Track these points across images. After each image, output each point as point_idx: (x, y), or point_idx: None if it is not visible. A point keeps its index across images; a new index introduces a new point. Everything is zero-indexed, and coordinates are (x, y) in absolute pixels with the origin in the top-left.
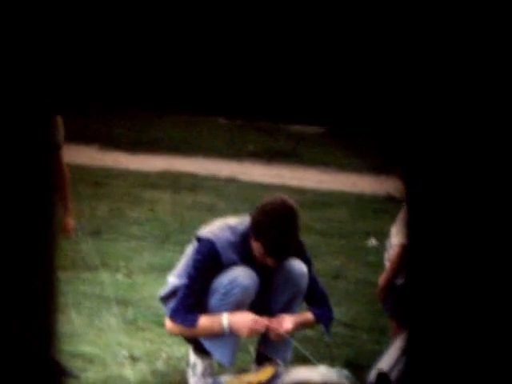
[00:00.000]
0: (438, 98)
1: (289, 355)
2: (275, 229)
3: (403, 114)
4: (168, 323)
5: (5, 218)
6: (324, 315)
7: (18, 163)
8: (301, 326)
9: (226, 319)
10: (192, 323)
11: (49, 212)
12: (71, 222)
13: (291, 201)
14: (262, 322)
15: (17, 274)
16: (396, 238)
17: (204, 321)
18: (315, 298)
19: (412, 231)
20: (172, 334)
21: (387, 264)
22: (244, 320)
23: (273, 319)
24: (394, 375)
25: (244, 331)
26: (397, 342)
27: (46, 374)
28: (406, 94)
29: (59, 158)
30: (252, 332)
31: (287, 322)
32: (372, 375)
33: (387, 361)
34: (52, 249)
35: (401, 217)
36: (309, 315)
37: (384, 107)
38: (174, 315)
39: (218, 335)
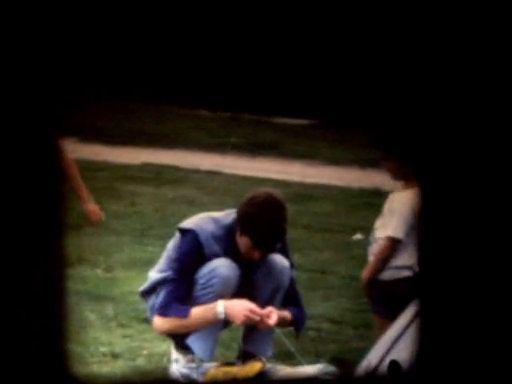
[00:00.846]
0: (435, 93)
1: (271, 352)
2: (264, 221)
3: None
4: (157, 320)
5: (13, 212)
6: (300, 316)
7: (26, 157)
8: (280, 323)
9: (221, 306)
10: (185, 314)
11: (57, 205)
12: (96, 208)
13: (278, 193)
14: (258, 311)
15: (24, 270)
16: (380, 231)
17: (197, 310)
18: (291, 297)
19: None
20: (162, 331)
21: (371, 258)
22: (241, 307)
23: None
24: (383, 366)
25: (240, 318)
26: (386, 333)
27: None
28: (400, 88)
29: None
30: (247, 320)
31: (274, 316)
32: (363, 367)
33: (377, 352)
34: (61, 243)
35: (385, 210)
36: (287, 314)
37: (379, 100)
38: (165, 309)
39: (209, 325)
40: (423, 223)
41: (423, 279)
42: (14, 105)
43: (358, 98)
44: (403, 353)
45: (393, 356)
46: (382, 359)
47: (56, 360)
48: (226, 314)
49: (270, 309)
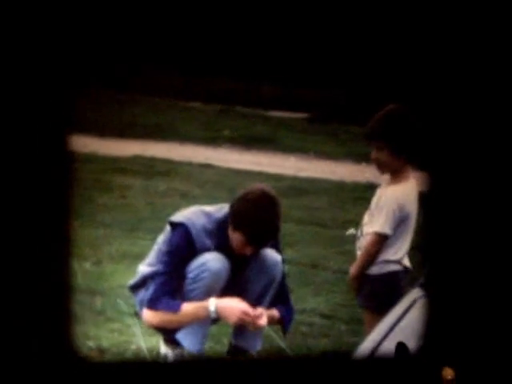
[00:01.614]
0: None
1: (260, 345)
2: (257, 218)
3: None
4: (147, 313)
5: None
6: (288, 316)
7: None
8: (268, 323)
9: (213, 305)
10: (175, 308)
11: (66, 198)
12: None
13: (272, 190)
14: (250, 312)
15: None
16: (367, 226)
17: (188, 307)
18: (281, 293)
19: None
20: (151, 325)
21: (359, 253)
22: (233, 308)
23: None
24: (382, 349)
25: (232, 319)
26: (384, 320)
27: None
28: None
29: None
30: (239, 321)
31: (265, 317)
32: (361, 350)
33: (376, 337)
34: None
35: (372, 205)
36: (275, 313)
37: (375, 92)
38: (155, 302)
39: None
40: (429, 209)
41: (429, 263)
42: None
43: (353, 92)
44: (401, 337)
45: (391, 341)
46: (379, 343)
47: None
48: (217, 313)
49: (260, 310)
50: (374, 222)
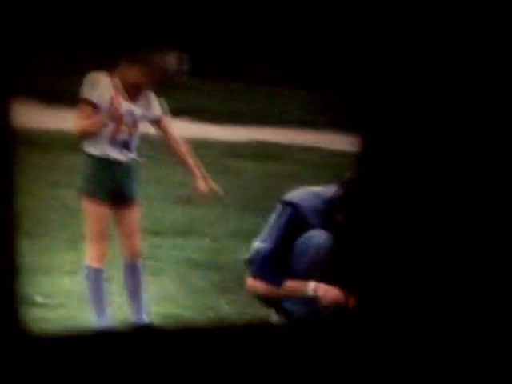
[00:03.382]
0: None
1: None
2: None
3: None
4: (253, 283)
5: None
6: None
7: None
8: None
9: (311, 285)
10: (278, 283)
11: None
12: (204, 186)
13: None
14: (346, 299)
15: None
16: None
17: (291, 284)
18: None
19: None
20: (254, 293)
21: None
22: (331, 290)
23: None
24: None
25: (327, 299)
26: None
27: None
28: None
29: (164, 125)
30: (333, 303)
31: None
32: None
33: None
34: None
35: None
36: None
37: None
38: (261, 275)
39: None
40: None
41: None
42: None
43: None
44: None
45: None
46: None
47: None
48: (315, 293)
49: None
50: None
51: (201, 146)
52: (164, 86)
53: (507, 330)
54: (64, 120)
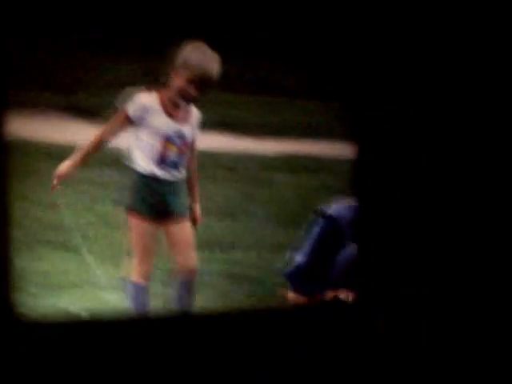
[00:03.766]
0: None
1: None
2: None
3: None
4: (292, 296)
5: None
6: None
7: None
8: None
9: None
10: (314, 295)
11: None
12: (197, 211)
13: None
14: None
15: None
16: None
17: (328, 294)
18: None
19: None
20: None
21: None
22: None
23: None
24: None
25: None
26: None
27: None
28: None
29: (195, 146)
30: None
31: None
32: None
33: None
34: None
35: None
36: None
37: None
38: (299, 287)
39: None
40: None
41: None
42: None
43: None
44: None
45: None
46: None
47: None
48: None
49: None
50: None
51: (237, 160)
52: (201, 98)
53: (507, 330)
54: None
